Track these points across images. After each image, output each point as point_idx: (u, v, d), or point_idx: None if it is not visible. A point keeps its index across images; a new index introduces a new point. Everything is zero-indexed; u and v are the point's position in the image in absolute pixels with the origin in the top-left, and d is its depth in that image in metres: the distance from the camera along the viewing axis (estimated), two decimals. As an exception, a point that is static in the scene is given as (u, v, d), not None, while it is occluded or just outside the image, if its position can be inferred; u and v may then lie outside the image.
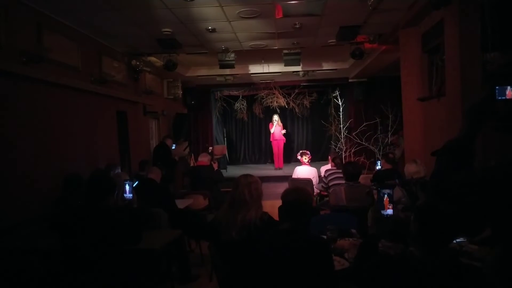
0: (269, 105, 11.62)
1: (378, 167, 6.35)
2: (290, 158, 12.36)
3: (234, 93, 11.93)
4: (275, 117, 11.07)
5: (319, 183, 6.12)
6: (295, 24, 5.76)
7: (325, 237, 2.76)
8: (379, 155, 8.62)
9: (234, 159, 13.30)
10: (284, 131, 11.14)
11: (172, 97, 9.49)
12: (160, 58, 7.31)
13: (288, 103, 11.65)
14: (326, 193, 5.53)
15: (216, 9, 5.03)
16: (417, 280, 1.67)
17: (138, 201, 4.34)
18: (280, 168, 10.92)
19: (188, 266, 4.17)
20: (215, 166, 6.99)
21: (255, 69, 9.49)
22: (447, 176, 2.37)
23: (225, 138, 12.76)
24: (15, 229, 3.66)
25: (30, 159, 4.30)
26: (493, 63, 3.44)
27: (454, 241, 2.53)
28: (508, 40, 3.10)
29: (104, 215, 2.77)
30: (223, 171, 9.08)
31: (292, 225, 2.21)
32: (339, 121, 10.44)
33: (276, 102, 11.50)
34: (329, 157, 6.68)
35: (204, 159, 6.77)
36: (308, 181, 6.21)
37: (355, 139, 9.45)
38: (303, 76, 9.81)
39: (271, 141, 11.35)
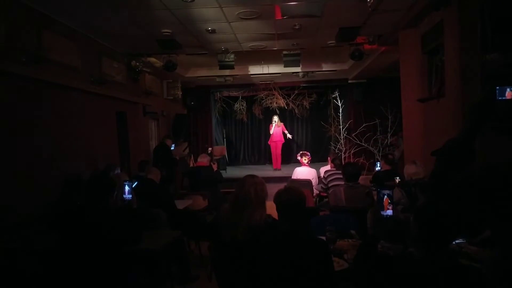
0: (268, 106, 11.63)
1: (378, 168, 6.34)
2: (289, 159, 12.35)
3: (234, 94, 11.93)
4: (275, 118, 11.07)
5: (318, 184, 6.12)
6: (295, 25, 5.77)
7: (324, 238, 2.76)
8: (379, 156, 8.62)
9: (233, 160, 13.29)
10: (290, 136, 11.11)
11: (172, 97, 9.50)
12: (160, 58, 7.31)
13: (287, 104, 11.66)
14: (325, 194, 5.53)
15: (216, 10, 5.03)
16: (416, 281, 1.67)
17: (138, 201, 4.33)
18: (278, 169, 10.91)
19: (188, 267, 4.16)
20: (215, 167, 6.98)
21: (255, 70, 9.50)
22: (447, 176, 2.37)
23: (225, 139, 12.76)
24: (15, 229, 3.65)
25: (30, 160, 4.30)
26: (492, 64, 3.44)
27: (454, 242, 2.54)
28: (507, 41, 3.11)
29: (103, 215, 2.77)
30: (222, 172, 9.07)
31: (291, 226, 2.20)
32: (338, 122, 10.44)
33: (276, 103, 11.51)
34: (329, 158, 6.67)
35: (203, 159, 6.77)
36: (307, 182, 6.21)
37: (355, 140, 9.45)
38: (303, 77, 9.83)
39: (269, 144, 11.32)
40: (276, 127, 10.99)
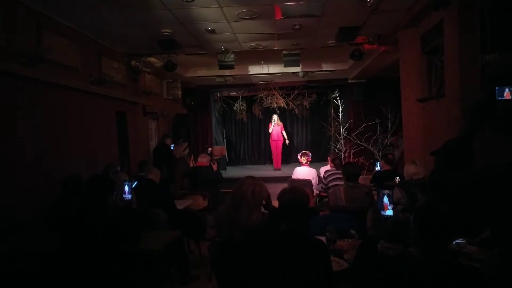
0: (268, 106, 11.63)
1: (378, 168, 6.35)
2: (290, 159, 12.36)
3: (234, 93, 11.93)
4: (274, 117, 11.08)
5: (318, 184, 6.12)
6: (295, 25, 5.77)
7: (324, 238, 2.76)
8: (379, 156, 8.61)
9: (233, 160, 13.29)
10: (287, 142, 11.12)
11: (172, 97, 9.49)
12: (160, 58, 7.31)
13: (287, 104, 11.66)
14: (325, 194, 5.53)
15: (216, 10, 5.03)
16: (416, 281, 1.67)
17: (137, 201, 4.33)
18: (278, 169, 10.91)
19: (188, 267, 4.16)
20: (215, 167, 6.99)
21: (255, 70, 9.49)
22: (446, 176, 2.38)
23: (225, 139, 12.76)
24: (15, 230, 3.65)
25: (29, 160, 4.30)
26: (492, 64, 3.45)
27: (453, 242, 2.54)
28: (507, 41, 3.11)
29: (103, 215, 2.77)
30: (222, 171, 9.08)
31: (291, 226, 2.20)
32: (338, 122, 10.44)
33: (276, 103, 11.51)
34: (329, 158, 6.67)
35: (203, 159, 6.77)
36: (307, 182, 6.21)
37: (355, 140, 9.46)
38: (303, 77, 9.83)
39: (270, 143, 11.34)
40: (275, 126, 11.01)
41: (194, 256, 4.74)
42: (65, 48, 5.14)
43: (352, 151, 9.75)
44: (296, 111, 11.90)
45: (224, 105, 12.30)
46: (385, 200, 2.91)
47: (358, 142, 9.30)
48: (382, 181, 5.00)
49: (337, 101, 10.36)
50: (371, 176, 6.01)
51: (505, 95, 2.73)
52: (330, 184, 5.23)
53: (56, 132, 4.84)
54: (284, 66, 7.26)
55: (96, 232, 2.68)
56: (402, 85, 5.90)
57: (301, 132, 13.52)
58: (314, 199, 6.21)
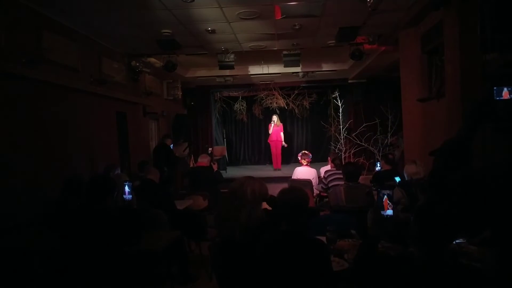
0: (268, 106, 11.63)
1: (378, 168, 6.35)
2: (290, 159, 12.36)
3: (234, 94, 11.94)
4: (274, 118, 11.09)
5: (318, 184, 6.12)
6: (295, 25, 5.77)
7: (325, 238, 2.76)
8: (379, 156, 8.62)
9: (233, 160, 13.30)
10: (285, 145, 11.12)
11: (172, 98, 9.50)
12: (160, 59, 7.32)
13: (287, 104, 11.66)
14: (325, 194, 5.53)
15: (216, 10, 5.03)
16: (416, 281, 1.67)
17: (138, 202, 4.33)
18: (278, 169, 10.91)
19: (188, 267, 4.17)
20: (215, 167, 6.98)
21: (255, 70, 9.50)
22: (445, 175, 2.38)
23: (225, 139, 12.76)
24: (15, 229, 3.65)
25: (30, 160, 4.30)
26: (492, 64, 3.45)
27: (454, 242, 2.53)
28: (507, 41, 3.11)
29: (103, 216, 2.77)
30: (222, 172, 9.08)
31: (291, 226, 2.20)
32: (338, 122, 10.44)
33: (276, 103, 11.51)
34: (329, 158, 6.67)
35: (203, 160, 6.77)
36: (307, 182, 6.21)
37: (355, 140, 9.45)
38: (303, 77, 9.83)
39: (268, 142, 11.34)
40: (275, 126, 11.01)
41: (194, 256, 4.74)
42: (65, 48, 5.14)
43: (352, 151, 9.75)
44: (296, 111, 11.90)
45: (224, 105, 12.30)
46: (385, 200, 2.91)
47: (358, 142, 9.30)
48: (382, 181, 5.00)
49: (337, 101, 10.36)
50: (371, 176, 6.01)
51: (503, 95, 2.73)
52: (330, 184, 5.23)
53: (56, 133, 4.84)
54: (284, 66, 7.26)
55: (96, 232, 2.68)
56: (402, 85, 5.90)
57: (301, 132, 13.52)
58: (315, 199, 6.21)
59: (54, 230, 2.90)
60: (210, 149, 10.58)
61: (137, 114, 7.61)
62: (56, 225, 2.85)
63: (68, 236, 2.75)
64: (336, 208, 4.06)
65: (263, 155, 13.36)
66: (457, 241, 2.61)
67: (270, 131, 11.06)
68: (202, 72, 9.59)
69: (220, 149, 11.46)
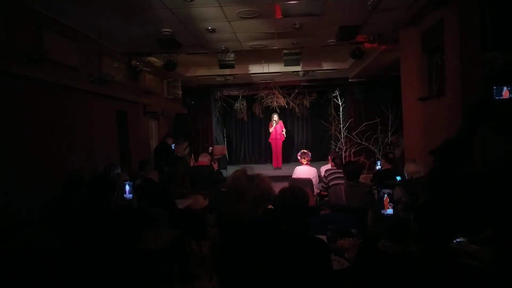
0: (269, 105, 11.63)
1: (378, 167, 6.34)
2: (290, 158, 12.36)
3: (234, 93, 11.93)
4: (275, 117, 11.08)
5: (319, 183, 6.12)
6: (295, 24, 5.76)
7: (325, 237, 2.76)
8: (379, 155, 8.62)
9: (234, 159, 13.31)
10: (284, 133, 11.13)
11: (172, 97, 9.50)
12: (160, 58, 7.31)
13: (288, 103, 11.65)
14: (326, 193, 5.53)
15: (216, 9, 5.03)
16: (417, 280, 1.67)
17: (138, 201, 4.34)
18: (279, 168, 10.91)
19: (189, 266, 4.17)
20: (215, 166, 6.99)
21: (255, 69, 9.50)
22: (445, 174, 2.38)
23: (225, 138, 12.76)
24: (15, 229, 3.66)
25: (30, 159, 4.30)
26: (492, 63, 3.44)
27: (454, 241, 2.53)
28: (507, 39, 3.11)
29: (104, 215, 2.77)
30: (223, 171, 9.08)
31: (292, 226, 2.20)
32: (339, 121, 10.45)
33: (276, 102, 11.51)
34: (329, 157, 6.67)
35: (204, 159, 6.77)
36: (308, 181, 6.21)
37: (355, 139, 9.45)
38: (303, 76, 9.82)
39: (269, 141, 11.34)
40: (276, 125, 11.02)
41: (195, 255, 4.74)
42: (65, 48, 5.14)
43: (352, 150, 9.75)
44: (297, 110, 11.89)
45: (225, 105, 12.29)
46: (386, 199, 2.91)
47: (359, 141, 9.30)
48: (382, 180, 5.00)
49: (338, 100, 10.35)
50: (371, 175, 6.00)
51: (503, 94, 2.72)
52: (330, 183, 5.22)
53: (57, 132, 4.84)
54: (285, 65, 7.25)
55: (96, 232, 2.68)
56: (402, 84, 5.90)
57: (301, 131, 13.52)
58: (315, 198, 6.20)
59: (54, 230, 2.89)
60: (210, 148, 10.58)
61: (138, 113, 7.61)
62: (56, 225, 2.85)
63: (69, 235, 2.75)
64: (337, 207, 4.06)
65: (263, 154, 13.37)
66: (457, 240, 2.61)
67: (271, 130, 11.06)
68: (202, 71, 9.58)
69: (221, 148, 11.47)
